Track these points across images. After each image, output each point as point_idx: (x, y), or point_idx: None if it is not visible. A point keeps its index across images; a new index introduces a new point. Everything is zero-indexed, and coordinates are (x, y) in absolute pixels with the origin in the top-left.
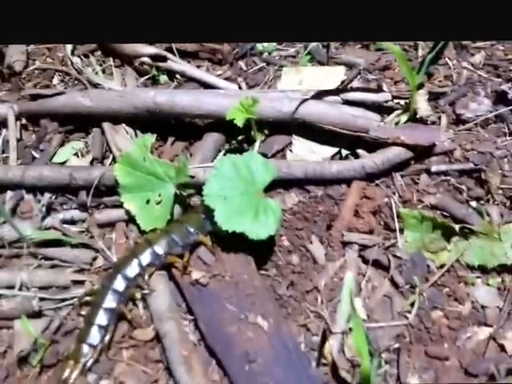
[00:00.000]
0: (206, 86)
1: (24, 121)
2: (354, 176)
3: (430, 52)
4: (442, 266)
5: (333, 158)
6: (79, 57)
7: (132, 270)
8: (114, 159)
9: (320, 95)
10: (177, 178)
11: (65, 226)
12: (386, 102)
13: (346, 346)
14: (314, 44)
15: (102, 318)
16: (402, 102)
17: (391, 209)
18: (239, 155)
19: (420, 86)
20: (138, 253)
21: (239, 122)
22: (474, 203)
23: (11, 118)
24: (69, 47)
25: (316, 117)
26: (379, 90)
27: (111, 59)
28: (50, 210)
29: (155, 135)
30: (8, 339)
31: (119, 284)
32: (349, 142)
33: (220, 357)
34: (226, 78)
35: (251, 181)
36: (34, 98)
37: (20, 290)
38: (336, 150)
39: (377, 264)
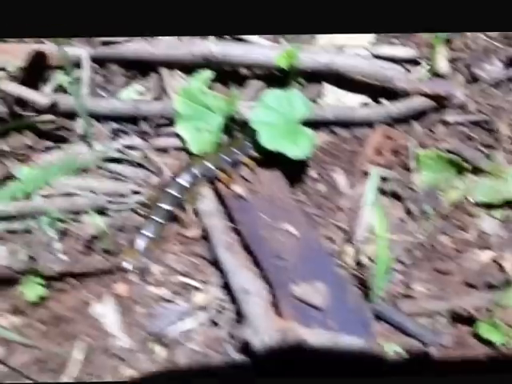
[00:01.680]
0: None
1: (94, 64)
2: (379, 120)
3: None
4: (451, 201)
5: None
6: None
7: (186, 178)
8: (170, 98)
9: (353, 51)
10: (226, 110)
11: (127, 149)
12: (411, 58)
13: (363, 253)
14: None
15: (158, 215)
16: (424, 60)
17: (409, 150)
18: (282, 90)
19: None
20: (192, 166)
21: (285, 65)
22: (484, 150)
23: (85, 59)
24: None
25: (349, 68)
26: (405, 46)
27: None
28: (115, 135)
29: (213, 71)
30: (76, 230)
31: (175, 189)
32: (374, 92)
33: (255, 254)
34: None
35: (291, 111)
36: (106, 43)
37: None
38: (362, 99)
39: (394, 195)
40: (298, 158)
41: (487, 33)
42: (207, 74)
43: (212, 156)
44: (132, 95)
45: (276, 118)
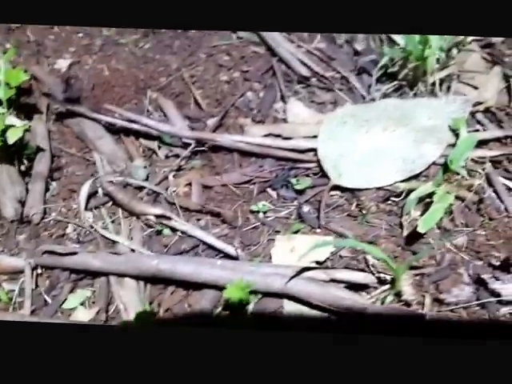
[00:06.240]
0: (205, 243)
1: (39, 269)
2: None
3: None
4: None
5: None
6: (91, 210)
7: None
8: (118, 311)
9: (309, 274)
10: None
11: None
12: (372, 282)
13: None
14: (305, 210)
15: None
16: (388, 277)
17: None
18: None
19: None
20: None
21: (234, 302)
22: None
23: (28, 272)
24: (82, 202)
25: (305, 295)
26: (366, 267)
27: (120, 211)
28: None
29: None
30: None
31: None
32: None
33: None
34: (224, 235)
35: None
36: (49, 253)
37: None
38: (325, 316)
39: None
40: None
41: (455, 245)
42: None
43: None
44: (77, 302)
45: None
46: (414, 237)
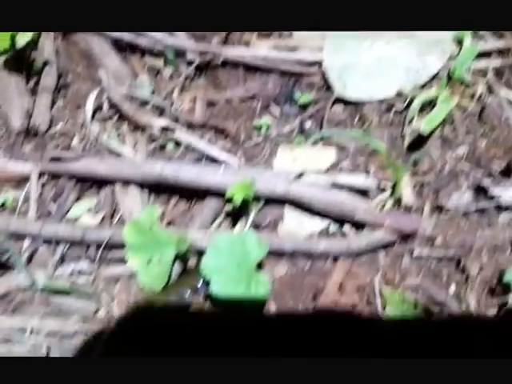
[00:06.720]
0: (208, 156)
1: (45, 177)
2: (340, 254)
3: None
4: None
5: (321, 232)
6: (97, 123)
7: None
8: (121, 218)
9: (311, 178)
10: (177, 246)
11: (73, 277)
12: (373, 187)
13: None
14: (308, 125)
15: None
16: (388, 186)
17: (374, 287)
18: (235, 234)
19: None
20: None
21: (237, 201)
22: (453, 287)
23: (34, 177)
24: (89, 113)
25: (307, 199)
26: (367, 175)
27: (125, 125)
28: (62, 260)
29: (160, 208)
30: None
31: None
32: (337, 220)
33: None
34: (227, 150)
35: (245, 256)
36: (56, 159)
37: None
38: (325, 224)
39: None
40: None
41: (456, 152)
42: (155, 209)
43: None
44: (82, 212)
45: (228, 264)
46: (416, 144)
